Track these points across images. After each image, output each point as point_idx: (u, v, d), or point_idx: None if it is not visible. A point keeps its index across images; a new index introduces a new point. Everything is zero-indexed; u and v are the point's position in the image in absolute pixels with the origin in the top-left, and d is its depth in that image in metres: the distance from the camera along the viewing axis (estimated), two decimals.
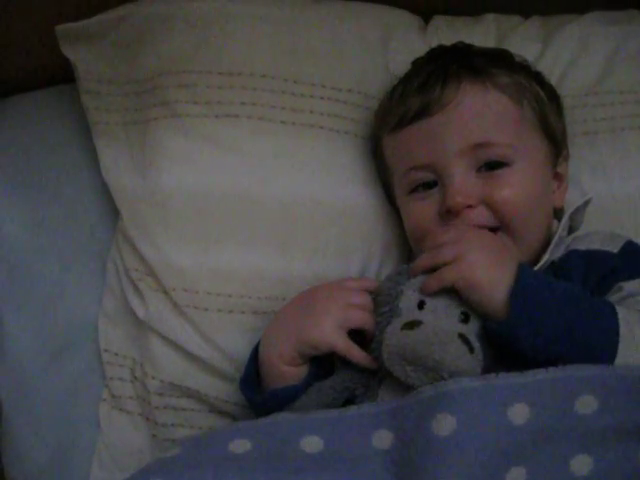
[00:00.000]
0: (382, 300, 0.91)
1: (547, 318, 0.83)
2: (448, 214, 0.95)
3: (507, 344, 0.84)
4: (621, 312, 0.84)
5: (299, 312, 0.94)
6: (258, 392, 0.95)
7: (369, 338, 0.92)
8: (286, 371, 0.93)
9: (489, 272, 0.86)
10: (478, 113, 0.97)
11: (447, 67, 1.00)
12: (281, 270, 1.05)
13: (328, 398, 0.91)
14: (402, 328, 0.84)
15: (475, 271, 0.86)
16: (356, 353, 0.91)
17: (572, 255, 0.97)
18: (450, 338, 0.83)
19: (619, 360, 0.81)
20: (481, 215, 0.95)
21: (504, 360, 0.85)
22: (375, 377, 0.90)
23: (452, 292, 0.87)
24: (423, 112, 0.98)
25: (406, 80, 1.04)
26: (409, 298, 0.88)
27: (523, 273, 0.86)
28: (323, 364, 0.95)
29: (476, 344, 0.84)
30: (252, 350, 0.98)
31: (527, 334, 0.83)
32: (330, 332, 0.91)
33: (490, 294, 0.85)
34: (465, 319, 0.86)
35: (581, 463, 0.73)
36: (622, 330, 0.83)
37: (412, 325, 0.84)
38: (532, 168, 0.98)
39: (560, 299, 0.85)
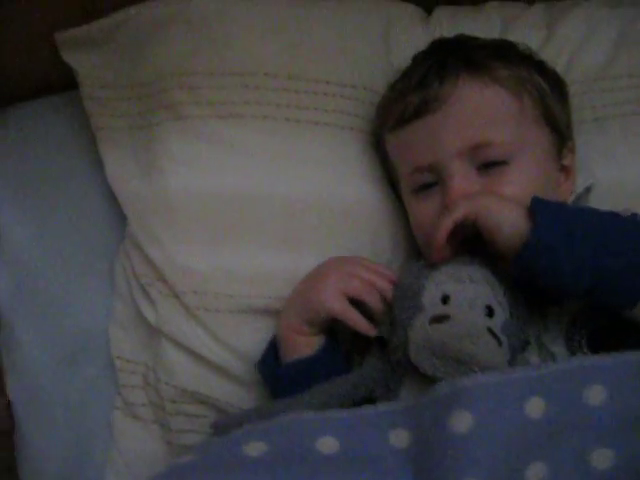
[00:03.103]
0: (403, 295, 0.90)
1: (577, 229, 0.83)
2: None
3: (538, 280, 0.84)
4: None
5: (307, 284, 0.98)
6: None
7: (369, 315, 0.93)
8: (299, 342, 0.95)
9: (512, 207, 0.88)
10: (476, 111, 0.96)
11: (445, 62, 0.99)
12: (290, 269, 1.03)
13: (346, 392, 0.90)
14: (430, 322, 0.84)
15: (499, 203, 0.88)
16: (354, 317, 0.92)
17: None
18: (480, 332, 0.82)
19: None
20: None
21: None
22: (395, 377, 0.89)
23: (476, 284, 0.87)
24: (421, 110, 0.97)
25: (405, 76, 1.03)
26: (432, 292, 0.87)
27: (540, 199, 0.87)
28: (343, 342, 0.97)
29: (503, 338, 0.83)
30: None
31: (558, 249, 0.82)
32: (329, 296, 0.94)
33: (516, 219, 0.86)
34: (489, 313, 0.86)
35: (602, 457, 0.72)
36: None
37: (440, 319, 0.83)
38: (533, 163, 0.96)
39: (588, 214, 0.86)
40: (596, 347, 0.88)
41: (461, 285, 0.87)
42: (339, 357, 0.98)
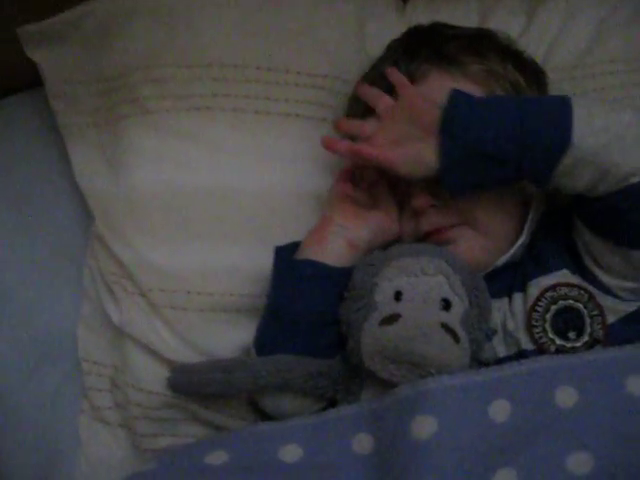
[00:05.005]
0: (355, 295, 0.86)
1: (488, 111, 0.84)
2: (415, 214, 0.94)
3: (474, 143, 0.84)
4: (582, 100, 0.85)
5: None
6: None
7: None
8: (331, 245, 0.92)
9: None
10: None
11: (416, 55, 0.98)
12: (262, 265, 1.00)
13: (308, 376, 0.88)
14: (380, 324, 0.81)
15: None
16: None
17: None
18: (432, 329, 0.79)
19: (576, 143, 0.80)
20: (447, 214, 0.93)
21: None
22: (356, 379, 0.87)
23: (430, 276, 0.83)
24: None
25: (375, 66, 1.02)
26: (384, 290, 0.84)
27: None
28: None
29: (461, 332, 0.80)
30: None
31: (472, 129, 0.83)
32: None
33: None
34: (446, 306, 0.82)
35: (579, 461, 0.69)
36: (577, 112, 0.81)
37: (390, 320, 0.80)
38: None
39: (499, 100, 0.88)
40: (563, 329, 0.86)
41: (413, 279, 0.83)
42: None
